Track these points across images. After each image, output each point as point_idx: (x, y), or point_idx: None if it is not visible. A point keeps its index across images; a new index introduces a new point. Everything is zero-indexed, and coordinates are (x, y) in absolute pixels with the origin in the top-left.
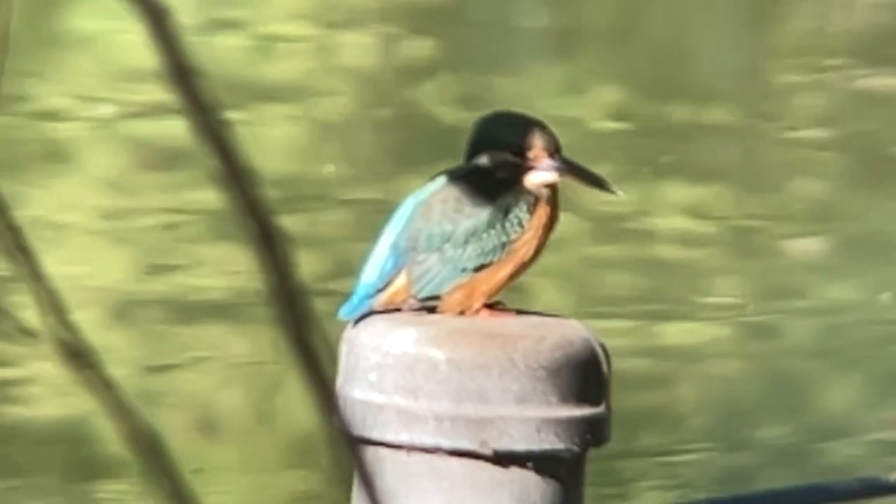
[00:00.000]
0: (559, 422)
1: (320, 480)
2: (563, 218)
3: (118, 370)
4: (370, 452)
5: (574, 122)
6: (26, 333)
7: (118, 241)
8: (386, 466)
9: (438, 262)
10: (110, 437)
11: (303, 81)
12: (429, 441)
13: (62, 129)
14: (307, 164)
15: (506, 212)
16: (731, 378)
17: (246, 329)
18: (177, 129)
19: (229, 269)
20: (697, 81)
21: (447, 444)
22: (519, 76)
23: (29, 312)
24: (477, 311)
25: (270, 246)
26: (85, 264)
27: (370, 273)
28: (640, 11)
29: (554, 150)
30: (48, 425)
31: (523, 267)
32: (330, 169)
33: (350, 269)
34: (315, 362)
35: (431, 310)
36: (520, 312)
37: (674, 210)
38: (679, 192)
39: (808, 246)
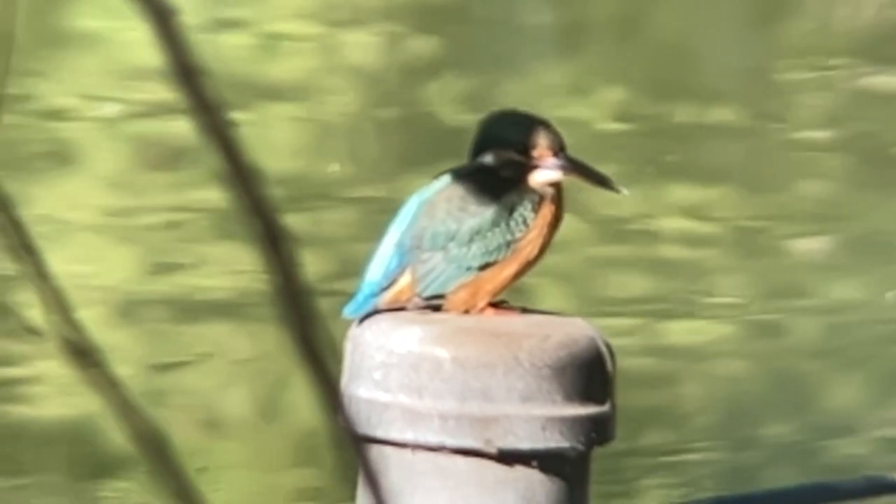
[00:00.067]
0: (564, 420)
1: (325, 479)
2: (567, 219)
3: (123, 369)
4: (375, 451)
5: (578, 122)
6: (31, 332)
7: (123, 240)
8: (391, 465)
9: (443, 261)
10: (115, 436)
11: (307, 80)
12: (433, 440)
13: (67, 129)
14: (312, 163)
15: (510, 210)
16: (736, 377)
17: (251, 328)
18: (182, 129)
19: (234, 268)
20: (701, 81)
21: (452, 442)
22: (523, 75)
23: (34, 311)
24: (482, 309)
25: (275, 245)
26: (90, 263)
27: (375, 272)
28: (645, 10)
29: (558, 149)
30: (53, 424)
31: (528, 265)
32: (334, 168)
33: (354, 268)
34: (320, 361)
35: (436, 308)
36: (524, 311)
37: (678, 210)
38: (683, 192)
39: (812, 245)
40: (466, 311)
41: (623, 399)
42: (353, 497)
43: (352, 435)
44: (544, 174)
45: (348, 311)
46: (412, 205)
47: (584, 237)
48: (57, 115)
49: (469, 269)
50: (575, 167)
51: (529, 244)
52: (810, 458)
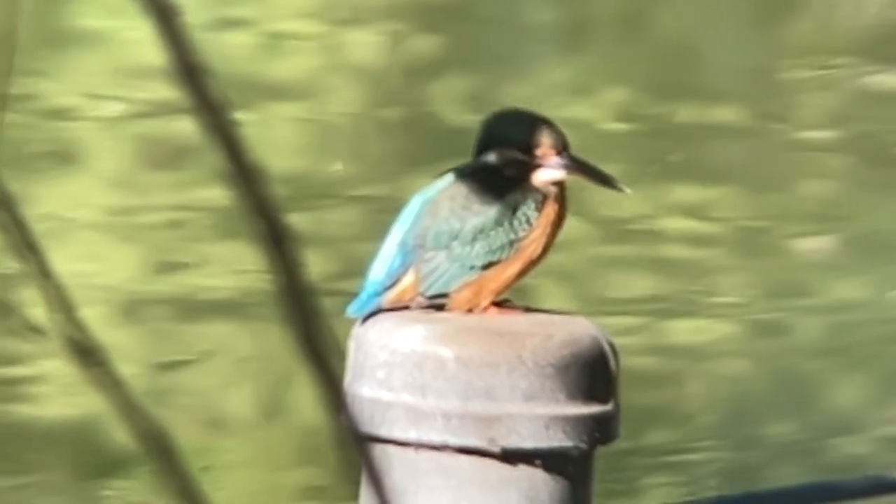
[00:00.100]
0: (567, 419)
1: (328, 478)
2: (570, 219)
3: (126, 368)
4: (378, 450)
5: (581, 121)
6: (34, 330)
7: (126, 239)
8: (394, 464)
9: (446, 260)
10: (118, 435)
11: (310, 79)
12: (437, 438)
13: (70, 128)
14: (314, 162)
15: (514, 209)
16: (739, 376)
17: (254, 327)
18: (185, 128)
19: (237, 267)
20: (704, 81)
21: (455, 441)
22: (526, 75)
23: (37, 310)
24: (485, 308)
25: (278, 244)
26: (93, 262)
27: (378, 271)
28: (647, 10)
29: (562, 148)
30: (56, 423)
31: (531, 264)
32: (337, 167)
33: (358, 267)
34: (323, 360)
35: (439, 307)
36: (528, 310)
37: (680, 210)
38: (686, 191)
39: (814, 245)
40: (470, 310)
41: (626, 398)
42: (356, 496)
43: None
44: (547, 173)
45: (351, 311)
46: (415, 204)
47: (587, 237)
48: (60, 114)
49: (472, 268)
50: (578, 166)
51: (533, 243)
52: (813, 457)
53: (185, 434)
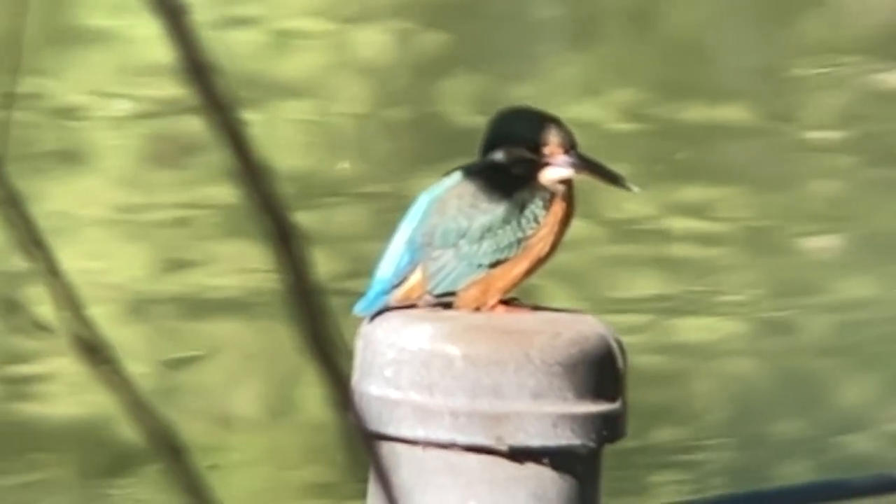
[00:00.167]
0: (575, 418)
1: (336, 476)
2: (578, 220)
3: (133, 366)
4: (386, 448)
5: (588, 121)
6: (42, 328)
7: (134, 237)
8: (401, 462)
9: (454, 259)
10: (126, 433)
11: (317, 77)
12: (444, 437)
13: (78, 126)
14: (322, 160)
15: (521, 208)
16: (746, 374)
17: (261, 325)
18: (192, 126)
19: (245, 265)
20: (712, 81)
21: (463, 439)
22: (533, 74)
23: (45, 308)
24: (492, 307)
25: (286, 242)
26: (100, 260)
27: (386, 269)
28: (655, 9)
29: (569, 147)
30: (64, 421)
31: (539, 263)
32: (344, 165)
33: (365, 266)
34: (330, 359)
35: (447, 306)
36: (535, 308)
37: (688, 209)
38: (694, 191)
39: (822, 244)
40: (477, 309)
41: (634, 396)
42: (363, 494)
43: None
44: (555, 171)
45: (359, 309)
46: (423, 202)
47: (594, 236)
48: (67, 112)
49: (480, 266)
50: (586, 165)
51: (540, 241)
52: (820, 455)
53: (193, 432)
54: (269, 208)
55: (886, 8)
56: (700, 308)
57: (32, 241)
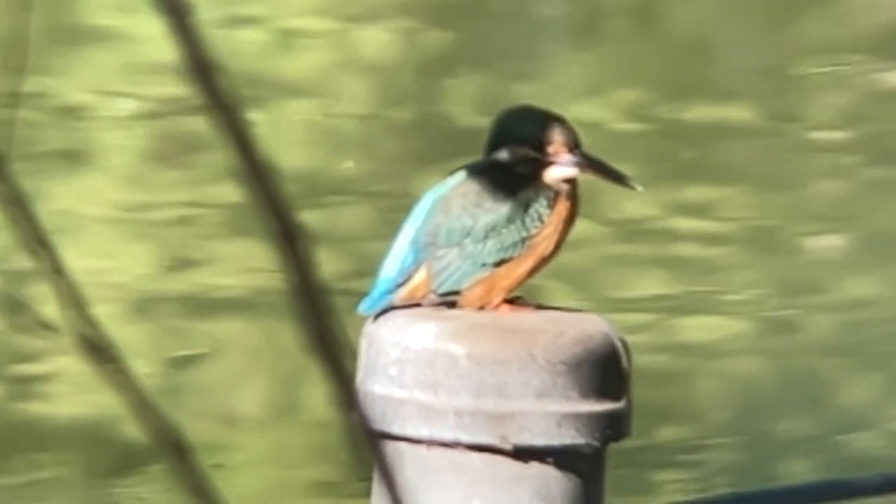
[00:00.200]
0: (579, 417)
1: (340, 475)
2: (582, 220)
3: (138, 365)
4: (390, 447)
5: (592, 121)
6: (47, 327)
7: (138, 236)
8: (406, 461)
9: (458, 258)
10: (131, 433)
11: (322, 76)
12: (449, 436)
13: (82, 125)
14: (326, 159)
15: (526, 207)
16: (751, 373)
17: (265, 324)
18: (197, 125)
19: (249, 264)
20: (716, 80)
21: (467, 438)
22: (538, 73)
23: (49, 307)
24: (497, 306)
25: (291, 241)
26: (105, 259)
27: (390, 268)
28: (659, 8)
29: (574, 146)
30: (69, 420)
31: (543, 262)
32: (349, 164)
33: (369, 266)
34: (335, 358)
35: (451, 305)
36: (540, 307)
37: (693, 209)
38: (698, 191)
39: (826, 243)
40: (481, 308)
41: (638, 395)
42: (368, 493)
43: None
44: (559, 170)
45: (363, 308)
46: (427, 201)
47: (599, 236)
48: (72, 111)
49: (484, 265)
50: (590, 163)
51: (545, 240)
52: (825, 454)
53: (197, 431)
54: (273, 207)
55: (890, 7)
56: (704, 307)
57: (37, 241)
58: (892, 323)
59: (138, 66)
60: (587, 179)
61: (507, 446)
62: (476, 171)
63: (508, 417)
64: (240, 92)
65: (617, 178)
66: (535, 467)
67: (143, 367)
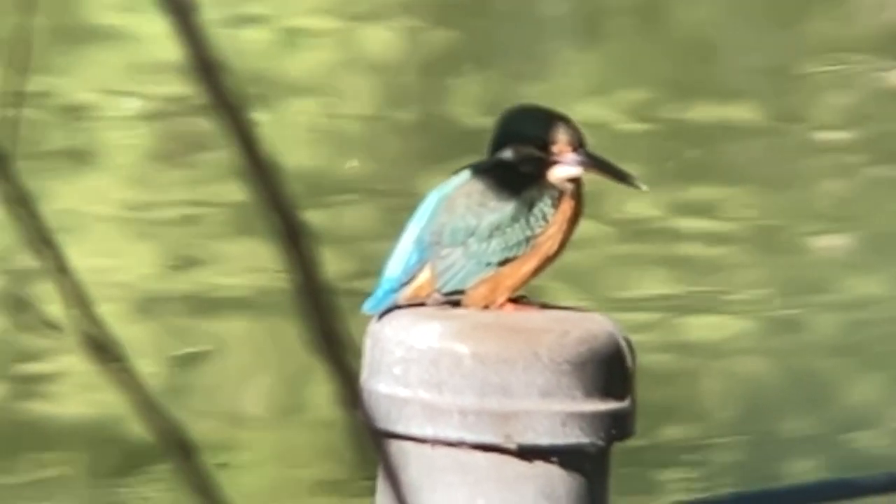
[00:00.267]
0: (584, 416)
1: (344, 474)
2: (586, 219)
3: (142, 364)
4: (395, 446)
5: (597, 120)
6: (51, 326)
7: (143, 236)
8: (410, 460)
9: (463, 257)
10: (136, 432)
11: (326, 75)
12: (453, 435)
13: (87, 124)
14: (330, 158)
15: (530, 206)
16: (755, 373)
17: (270, 323)
18: (202, 124)
19: (254, 264)
20: (721, 80)
21: (471, 438)
22: (542, 72)
23: (54, 306)
24: (501, 305)
25: (295, 241)
26: (109, 258)
27: (394, 267)
28: (664, 7)
29: (578, 145)
30: (74, 420)
31: (548, 261)
32: (353, 164)
33: (374, 265)
34: (339, 357)
35: (456, 304)
36: (544, 306)
37: (697, 208)
38: (702, 190)
39: (831, 242)
40: (486, 307)
41: (643, 394)
42: (372, 492)
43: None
44: (564, 170)
45: (368, 307)
46: (431, 200)
47: (603, 236)
48: (76, 110)
49: (489, 264)
50: (595, 163)
51: (549, 240)
52: (830, 453)
53: (202, 430)
54: (277, 207)
55: (895, 6)
56: (708, 307)
57: (41, 240)
58: None
59: (142, 66)
60: (591, 179)
61: (512, 446)
62: (480, 171)
63: (513, 417)
64: (244, 91)
65: (621, 177)
66: (539, 466)
67: (148, 367)
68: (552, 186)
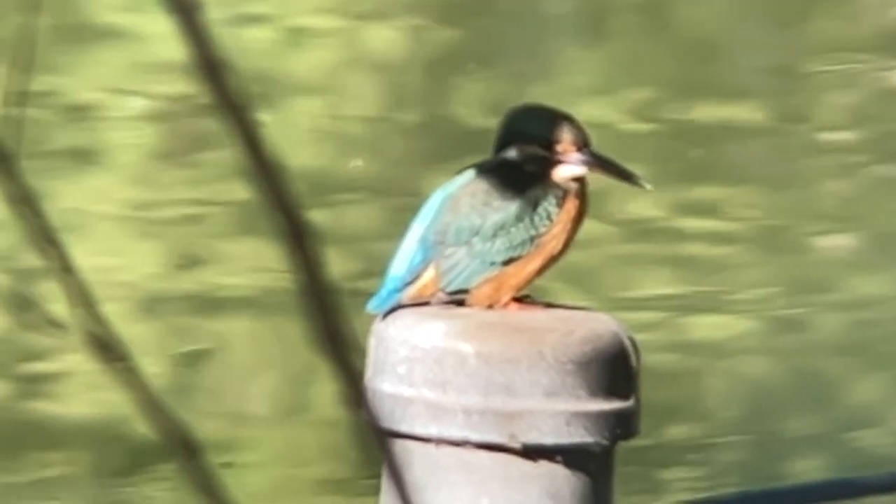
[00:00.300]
0: (588, 415)
1: (349, 473)
2: (591, 219)
3: (146, 363)
4: (399, 445)
5: (601, 120)
6: (55, 325)
7: (147, 235)
8: (415, 459)
9: (467, 256)
10: (140, 431)
11: (330, 74)
12: (457, 434)
13: (91, 124)
14: (335, 158)
15: (534, 205)
16: (760, 372)
17: (274, 322)
18: (206, 123)
19: (258, 263)
20: (726, 80)
21: (476, 437)
22: (547, 71)
23: (58, 305)
24: (505, 304)
25: (299, 240)
26: (113, 257)
27: (399, 267)
28: (668, 7)
29: (582, 144)
30: (78, 419)
31: (552, 260)
32: (357, 163)
33: (378, 264)
34: (344, 356)
35: (460, 303)
36: (548, 306)
37: (701, 208)
38: (707, 190)
39: (836, 242)
40: (490, 306)
41: (647, 394)
42: (377, 491)
43: (376, 429)
44: (568, 169)
45: (372, 307)
46: (436, 200)
47: (607, 235)
48: (81, 110)
49: (493, 263)
50: (599, 162)
51: (553, 239)
52: (834, 452)
53: (206, 430)
54: (281, 206)
55: None
56: (713, 306)
57: (45, 239)
58: None
59: (147, 65)
60: (595, 178)
61: (516, 445)
62: (485, 170)
63: (517, 416)
64: (248, 90)
65: (626, 176)
66: (543, 466)
67: (152, 366)
68: (556, 186)
